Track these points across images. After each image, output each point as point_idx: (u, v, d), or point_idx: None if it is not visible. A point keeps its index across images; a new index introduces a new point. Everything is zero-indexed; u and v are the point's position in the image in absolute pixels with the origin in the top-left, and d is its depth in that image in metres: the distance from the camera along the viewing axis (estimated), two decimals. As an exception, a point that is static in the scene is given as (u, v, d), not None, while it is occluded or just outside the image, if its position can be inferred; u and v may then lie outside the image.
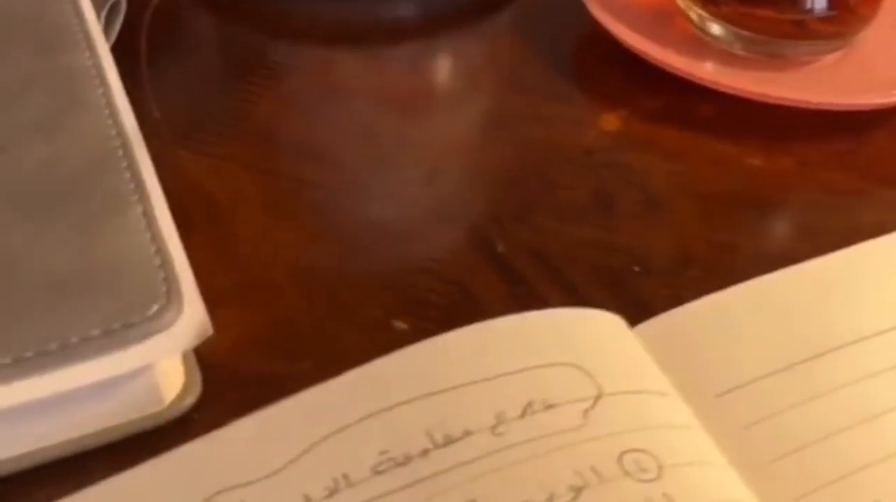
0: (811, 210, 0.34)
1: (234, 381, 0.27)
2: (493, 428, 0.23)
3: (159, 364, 0.25)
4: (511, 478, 0.22)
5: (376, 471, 0.23)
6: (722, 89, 0.37)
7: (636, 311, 0.30)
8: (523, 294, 0.31)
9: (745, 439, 0.24)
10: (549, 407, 0.23)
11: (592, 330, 0.26)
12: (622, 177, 0.35)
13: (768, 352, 0.27)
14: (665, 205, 0.34)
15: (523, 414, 0.23)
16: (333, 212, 0.34)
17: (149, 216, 0.26)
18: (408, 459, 0.23)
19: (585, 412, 0.23)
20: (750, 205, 0.34)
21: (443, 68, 0.42)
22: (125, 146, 0.28)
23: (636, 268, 0.31)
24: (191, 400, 0.26)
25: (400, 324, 0.29)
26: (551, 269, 0.31)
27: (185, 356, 0.26)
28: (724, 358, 0.27)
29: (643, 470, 0.22)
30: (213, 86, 0.40)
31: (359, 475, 0.23)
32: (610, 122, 0.38)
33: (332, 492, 0.22)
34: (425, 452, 0.23)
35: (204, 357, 0.27)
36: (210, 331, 0.24)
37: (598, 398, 0.24)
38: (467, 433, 0.23)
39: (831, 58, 0.39)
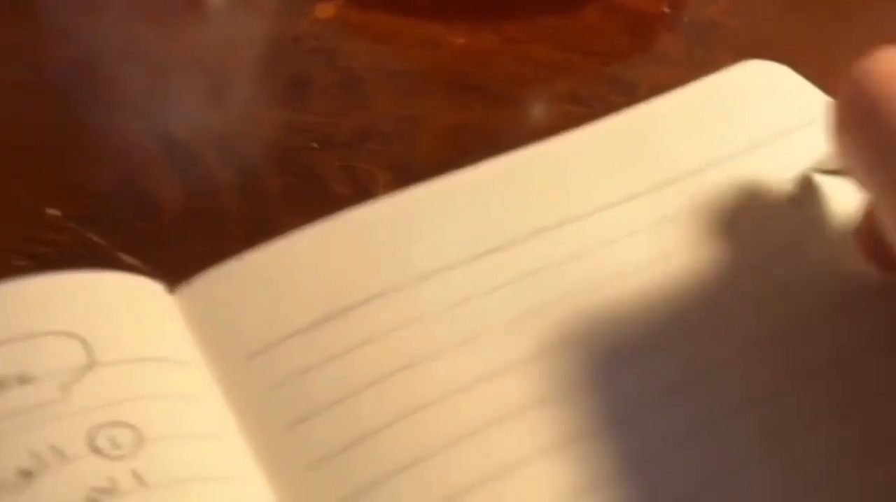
0: (508, 81, 0.34)
1: None
2: None
3: None
4: None
5: None
6: (434, -29, 0.37)
7: (311, 185, 0.30)
8: (196, 177, 0.30)
9: (267, 403, 0.22)
10: (24, 382, 0.21)
11: (107, 295, 0.23)
12: (325, 61, 0.35)
13: (316, 302, 0.24)
14: (361, 85, 0.34)
15: None
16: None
17: None
18: None
19: (67, 385, 0.21)
20: (445, 80, 0.34)
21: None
22: None
23: (314, 145, 0.31)
24: None
25: (53, 212, 0.28)
26: (230, 153, 0.31)
27: None
28: (268, 313, 0.24)
29: (117, 446, 0.20)
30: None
31: None
32: (325, 10, 0.37)
33: None
34: None
35: None
36: None
37: (88, 369, 0.21)
38: None
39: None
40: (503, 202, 0.27)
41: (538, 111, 0.33)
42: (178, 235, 0.28)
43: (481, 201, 0.27)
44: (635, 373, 0.23)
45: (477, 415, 0.22)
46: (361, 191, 0.29)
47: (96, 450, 0.20)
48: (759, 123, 0.30)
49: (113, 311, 0.23)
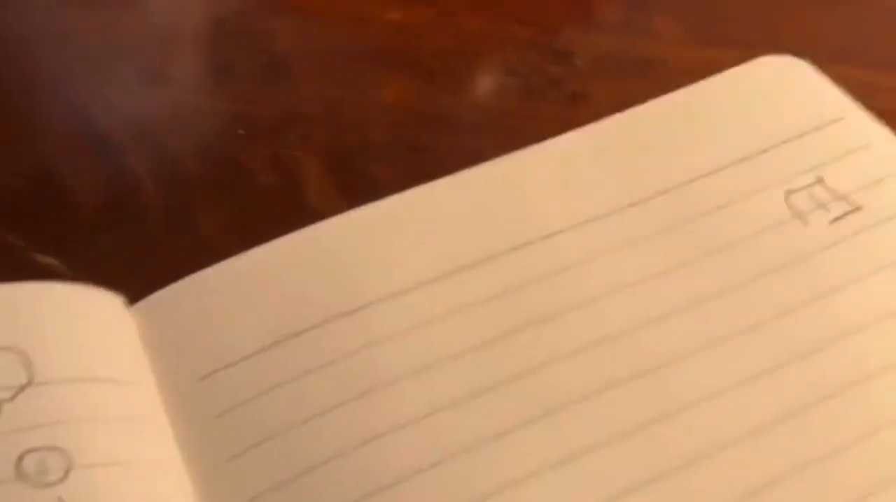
0: (442, 56, 0.33)
1: None
2: None
3: None
4: None
5: None
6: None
7: (236, 174, 0.28)
8: (113, 171, 0.28)
9: (213, 430, 0.21)
10: None
11: (58, 309, 0.22)
12: (250, 43, 0.33)
13: (271, 324, 0.22)
14: (288, 67, 0.32)
15: None
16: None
17: None
18: None
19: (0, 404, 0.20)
20: (376, 57, 0.32)
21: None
22: None
23: (240, 132, 0.30)
24: None
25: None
26: (151, 142, 0.29)
27: None
28: (222, 335, 0.22)
29: (44, 472, 0.19)
30: None
31: None
32: (249, -10, 0.35)
33: None
34: None
35: None
36: None
37: (24, 387, 0.20)
38: None
39: None
40: (466, 221, 0.25)
41: (474, 85, 0.32)
42: (99, 232, 0.27)
43: (445, 218, 0.25)
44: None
45: (433, 450, 0.20)
46: (289, 180, 0.28)
47: (23, 476, 0.18)
48: (768, 126, 0.27)
49: (63, 326, 0.21)
